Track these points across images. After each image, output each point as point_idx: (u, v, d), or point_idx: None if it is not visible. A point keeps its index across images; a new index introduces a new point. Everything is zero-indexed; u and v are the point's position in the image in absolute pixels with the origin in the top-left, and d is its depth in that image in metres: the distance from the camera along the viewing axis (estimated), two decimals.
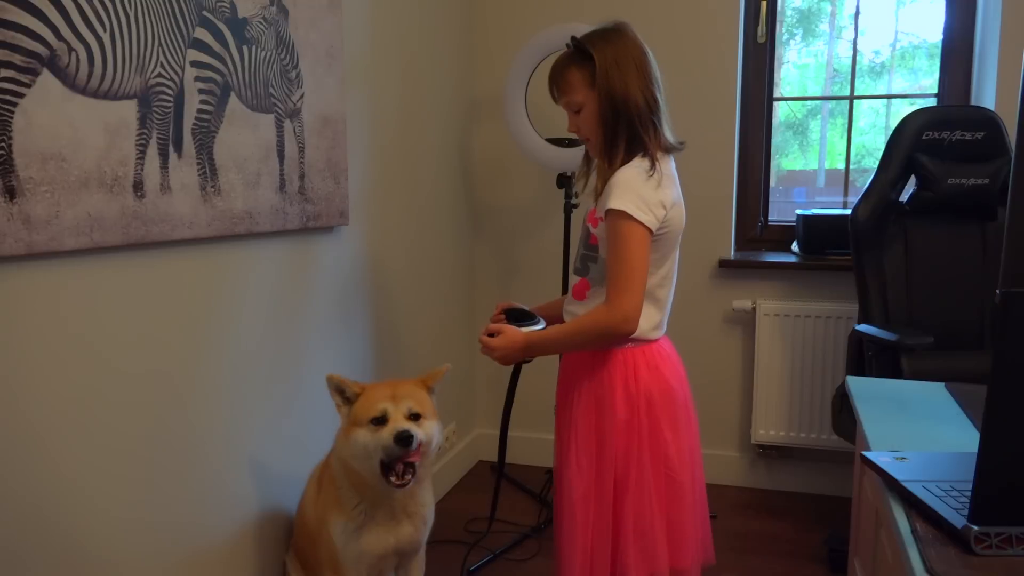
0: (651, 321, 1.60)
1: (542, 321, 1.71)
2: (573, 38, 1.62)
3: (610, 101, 1.56)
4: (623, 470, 1.58)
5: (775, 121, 3.03)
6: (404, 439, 1.61)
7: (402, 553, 1.82)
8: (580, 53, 1.59)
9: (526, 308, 1.77)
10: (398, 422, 1.64)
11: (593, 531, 1.60)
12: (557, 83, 1.64)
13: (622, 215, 1.48)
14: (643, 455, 1.57)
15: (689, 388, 1.70)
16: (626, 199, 1.49)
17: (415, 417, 1.68)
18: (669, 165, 1.59)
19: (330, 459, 1.83)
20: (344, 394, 1.71)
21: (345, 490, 1.75)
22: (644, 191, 1.50)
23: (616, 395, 1.58)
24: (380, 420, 1.65)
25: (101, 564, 1.48)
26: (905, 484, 1.03)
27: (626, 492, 1.58)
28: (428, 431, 1.69)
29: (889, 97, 3.07)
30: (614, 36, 1.60)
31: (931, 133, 2.39)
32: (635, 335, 1.56)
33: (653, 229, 1.50)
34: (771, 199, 3.05)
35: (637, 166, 1.53)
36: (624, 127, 1.55)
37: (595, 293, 1.63)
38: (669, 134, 1.60)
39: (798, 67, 3.17)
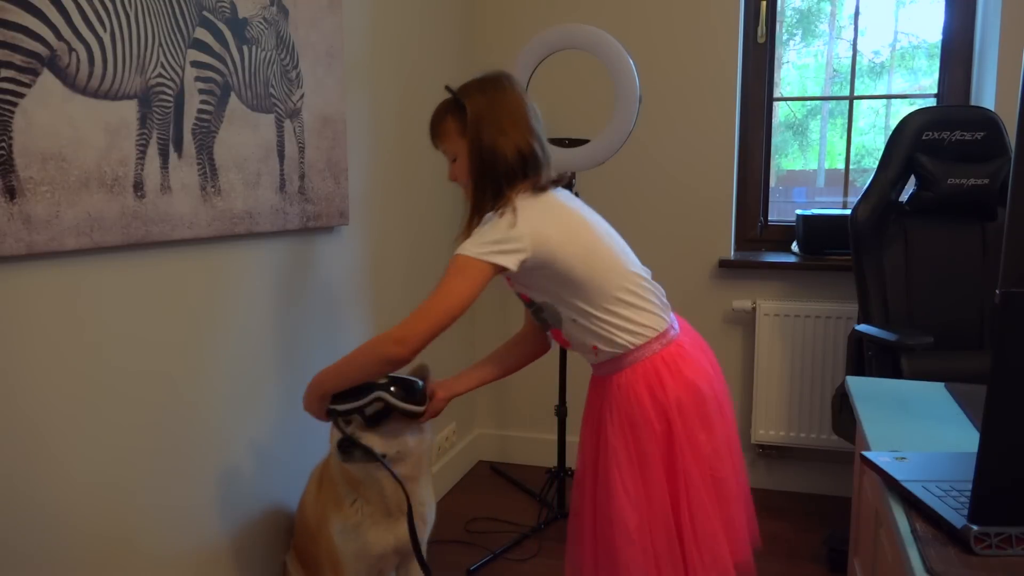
0: (637, 324, 1.56)
1: (418, 386, 1.66)
2: (448, 87, 1.62)
3: (479, 152, 1.55)
4: (672, 484, 1.54)
5: (775, 121, 3.03)
6: (343, 448, 1.60)
7: (403, 552, 1.82)
8: (456, 102, 1.59)
9: (407, 377, 1.67)
10: (355, 428, 1.62)
11: (659, 558, 1.53)
12: (434, 130, 1.64)
13: (456, 256, 1.48)
14: (687, 464, 1.53)
15: (719, 376, 1.66)
16: (465, 247, 1.48)
17: (377, 420, 1.63)
18: (543, 196, 1.56)
19: (330, 458, 1.83)
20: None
21: (342, 487, 1.75)
22: (489, 234, 1.48)
23: (647, 409, 1.54)
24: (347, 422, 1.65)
25: (102, 562, 1.48)
26: (905, 484, 1.03)
27: (679, 507, 1.53)
28: (391, 437, 1.64)
29: (889, 97, 3.07)
30: (490, 87, 1.58)
31: (931, 133, 2.39)
32: (637, 342, 1.55)
33: (505, 264, 1.46)
34: (771, 199, 3.05)
35: (487, 224, 1.51)
36: (491, 179, 1.55)
37: (571, 336, 1.62)
38: (546, 175, 1.59)
39: (798, 67, 3.17)
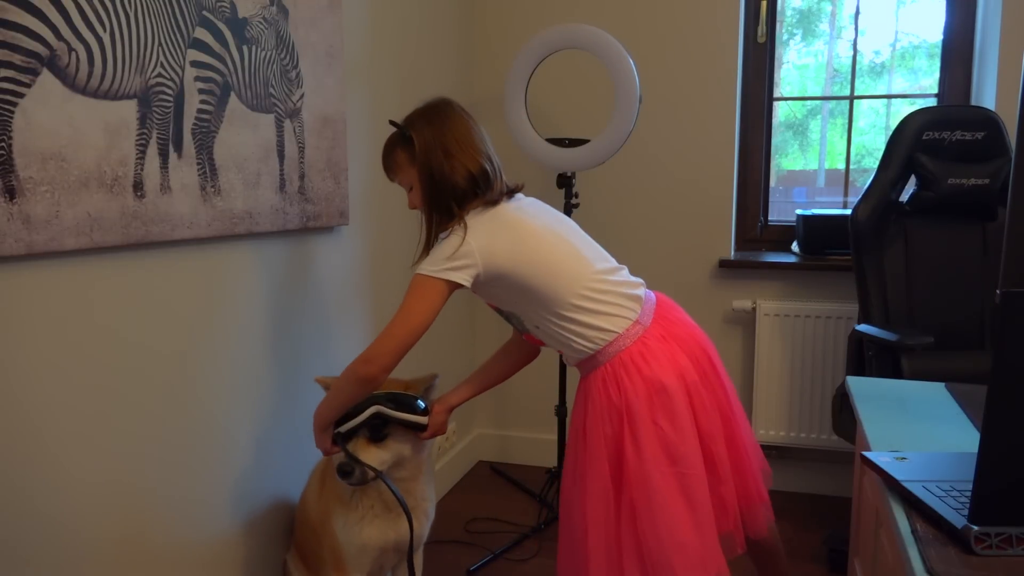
0: (594, 327, 1.58)
1: (418, 405, 1.70)
2: (392, 122, 1.69)
3: (429, 180, 1.61)
4: (617, 487, 1.55)
5: (775, 121, 3.03)
6: (343, 472, 1.63)
7: (402, 550, 1.82)
8: (403, 135, 1.66)
9: (403, 394, 1.71)
10: (356, 448, 1.65)
11: (598, 559, 1.55)
12: (386, 164, 1.72)
13: (414, 276, 1.55)
14: (644, 462, 1.52)
15: (708, 361, 1.64)
16: (421, 266, 1.55)
17: (381, 435, 1.66)
18: (494, 210, 1.61)
19: None
20: None
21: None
22: (441, 252, 1.55)
23: (602, 411, 1.57)
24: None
25: (102, 560, 1.48)
26: (905, 484, 1.03)
27: (623, 509, 1.55)
28: (394, 452, 1.68)
29: (889, 97, 3.07)
30: (434, 115, 1.65)
31: (931, 133, 2.39)
32: (594, 347, 1.58)
33: (458, 280, 1.53)
34: (771, 199, 3.05)
35: (439, 245, 1.58)
36: (444, 203, 1.61)
37: (542, 338, 1.67)
38: (499, 188, 1.64)
39: (798, 67, 3.17)
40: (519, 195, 1.70)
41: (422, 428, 1.70)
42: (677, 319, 1.68)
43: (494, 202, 1.62)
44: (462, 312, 3.14)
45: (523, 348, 1.87)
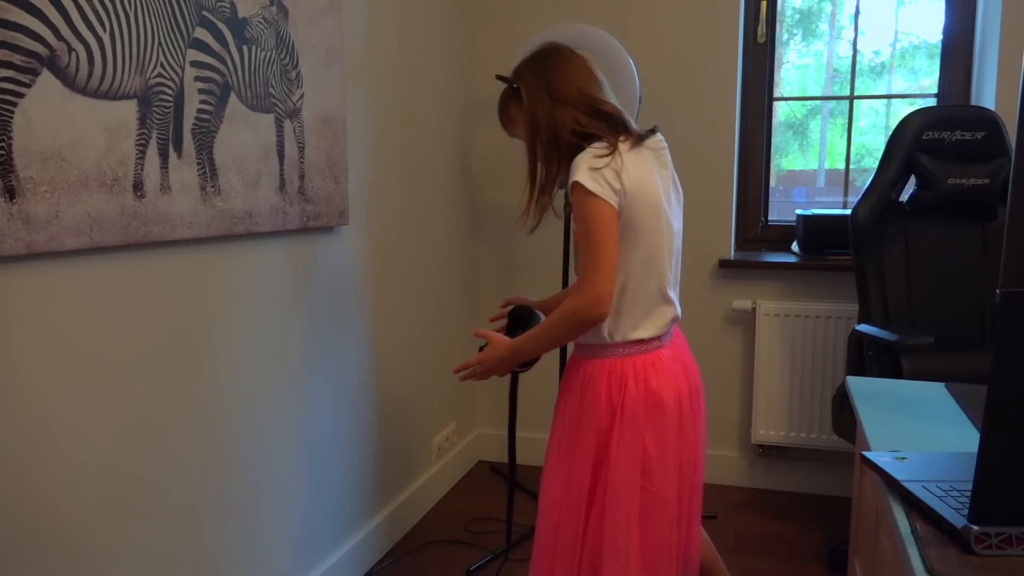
0: (630, 322, 1.56)
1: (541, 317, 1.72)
2: (499, 76, 1.66)
3: (535, 127, 1.58)
4: (594, 480, 1.56)
5: (775, 121, 3.03)
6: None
7: None
8: (512, 88, 1.63)
9: (531, 307, 1.79)
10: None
11: (562, 541, 1.58)
12: (503, 120, 1.70)
13: (583, 191, 1.46)
14: (618, 465, 1.53)
15: (695, 395, 1.64)
16: (582, 172, 1.46)
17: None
18: (638, 154, 1.54)
19: None
20: None
21: None
22: (598, 164, 1.47)
23: (600, 403, 1.56)
24: None
25: (101, 562, 1.48)
26: (905, 484, 1.03)
27: (593, 505, 1.56)
28: None
29: (889, 97, 3.07)
30: (538, 62, 1.61)
31: (931, 133, 2.39)
32: (618, 338, 1.55)
33: (614, 205, 1.47)
34: (771, 199, 3.05)
35: (592, 149, 1.50)
36: (564, 145, 1.56)
37: None
38: (631, 124, 1.58)
39: (798, 67, 3.17)
40: (659, 135, 1.62)
41: None
42: (686, 348, 1.70)
43: (639, 140, 1.55)
44: (462, 308, 3.14)
45: None
